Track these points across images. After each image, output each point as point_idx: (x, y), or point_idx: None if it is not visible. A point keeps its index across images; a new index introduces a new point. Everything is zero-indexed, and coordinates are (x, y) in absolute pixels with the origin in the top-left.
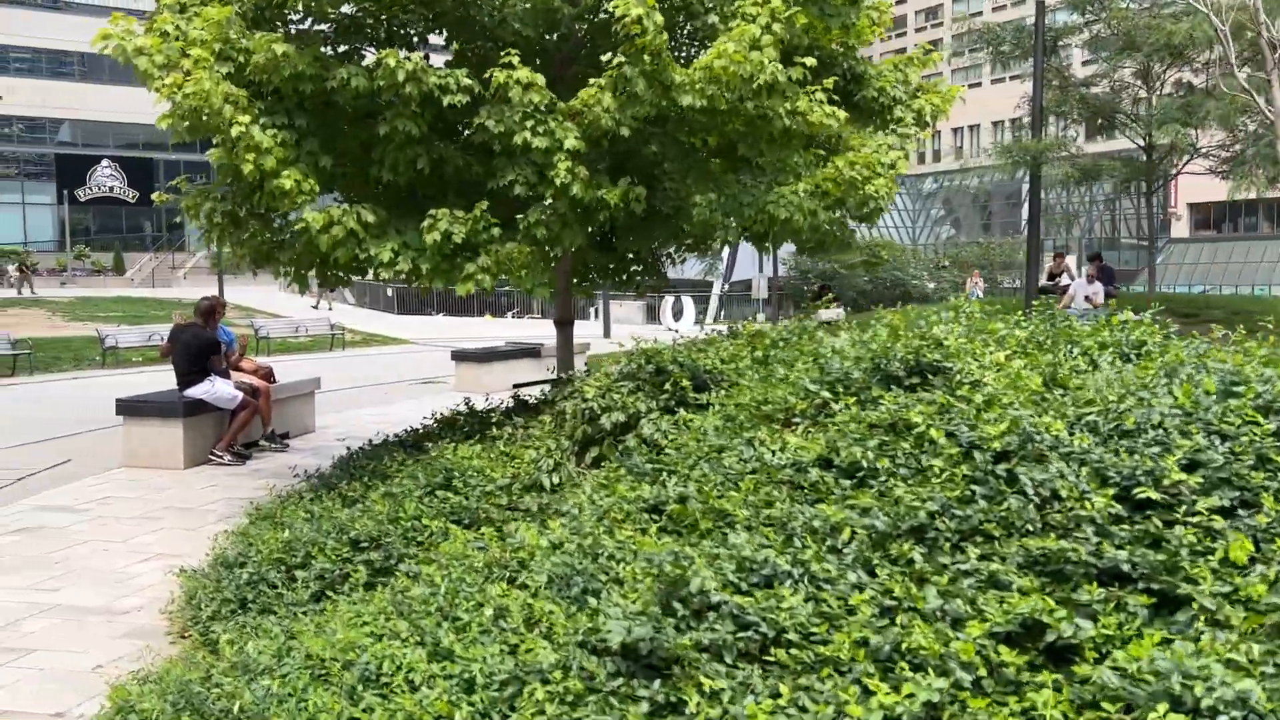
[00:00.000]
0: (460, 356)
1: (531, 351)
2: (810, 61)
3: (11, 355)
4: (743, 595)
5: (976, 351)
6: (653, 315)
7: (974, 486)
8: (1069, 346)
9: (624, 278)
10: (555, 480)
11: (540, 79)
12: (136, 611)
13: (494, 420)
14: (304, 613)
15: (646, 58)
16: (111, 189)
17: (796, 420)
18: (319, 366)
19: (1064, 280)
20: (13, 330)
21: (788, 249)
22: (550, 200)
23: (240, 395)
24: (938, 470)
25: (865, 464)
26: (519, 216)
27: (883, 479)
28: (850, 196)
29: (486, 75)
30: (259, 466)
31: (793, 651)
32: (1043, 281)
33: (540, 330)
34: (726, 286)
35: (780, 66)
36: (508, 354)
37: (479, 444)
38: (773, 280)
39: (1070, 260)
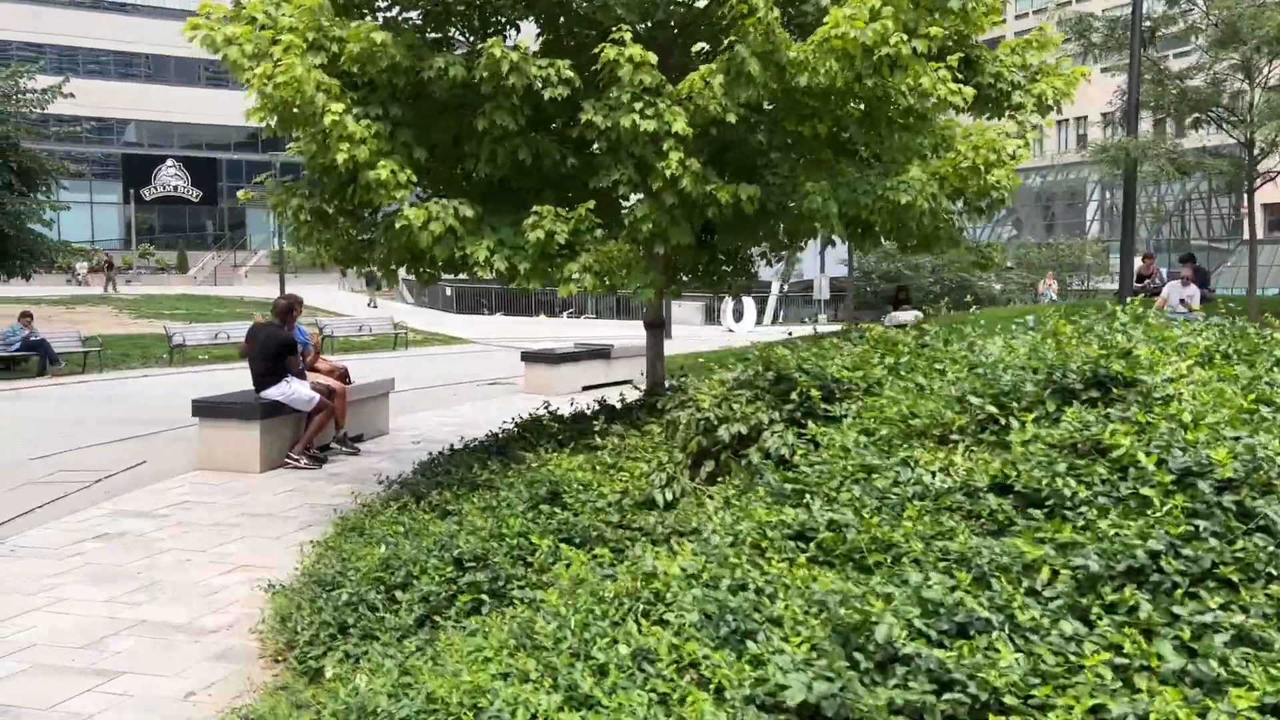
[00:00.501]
0: (530, 358)
1: (601, 353)
2: (936, 31)
3: (83, 353)
4: (936, 646)
5: (1159, 362)
6: (711, 316)
7: (1197, 521)
8: (1267, 356)
9: (714, 278)
10: (669, 496)
11: (652, 57)
12: (225, 630)
13: (596, 429)
14: (410, 639)
15: (759, 36)
16: (175, 188)
17: (955, 437)
18: (384, 366)
19: (1154, 283)
20: (82, 327)
21: (843, 251)
22: (657, 191)
23: (317, 397)
24: (1151, 500)
25: (1056, 491)
26: (624, 212)
27: (1078, 509)
28: (970, 186)
29: (591, 61)
30: (336, 470)
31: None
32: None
33: (598, 331)
34: (785, 287)
35: (904, 36)
36: (578, 355)
37: (579, 454)
38: (836, 281)
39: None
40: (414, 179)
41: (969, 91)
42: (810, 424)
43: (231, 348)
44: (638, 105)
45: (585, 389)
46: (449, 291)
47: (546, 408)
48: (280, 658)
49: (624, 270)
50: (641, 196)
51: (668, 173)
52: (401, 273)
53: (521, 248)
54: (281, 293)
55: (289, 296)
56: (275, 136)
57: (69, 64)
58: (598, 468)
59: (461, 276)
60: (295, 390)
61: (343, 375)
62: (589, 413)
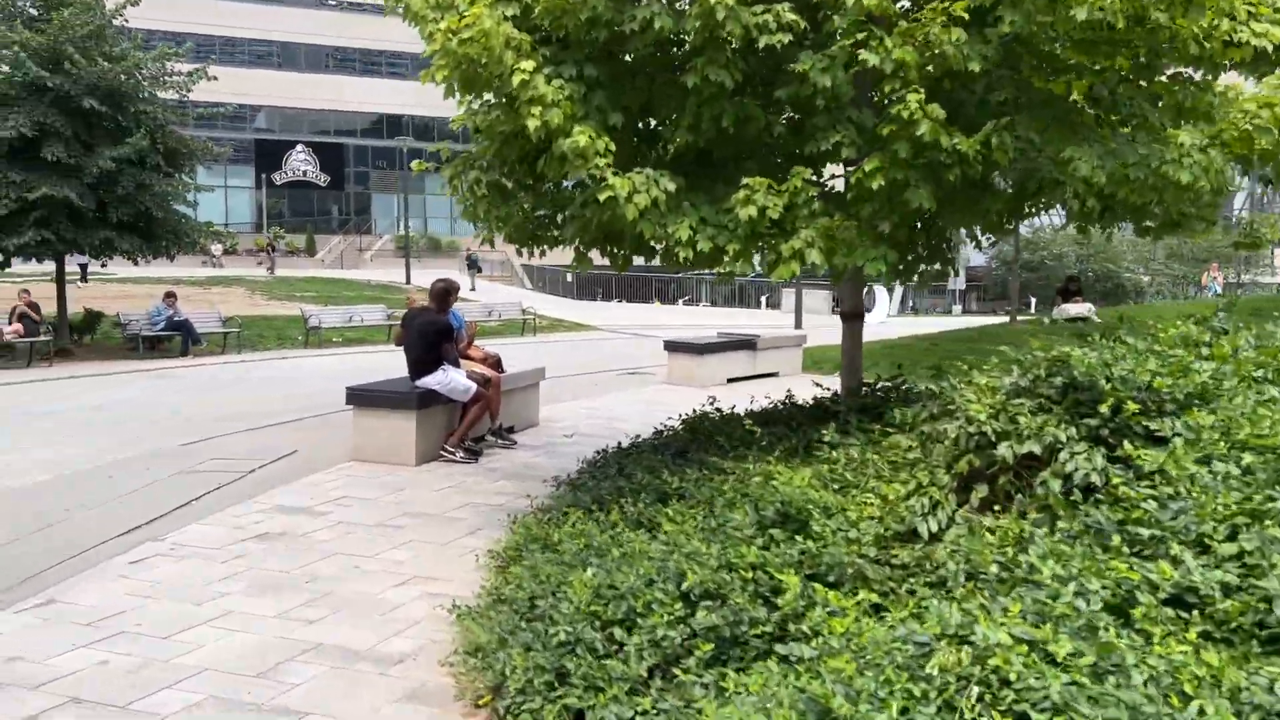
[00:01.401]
0: (673, 347)
1: (747, 344)
2: None
3: (222, 333)
4: None
5: None
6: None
7: None
8: None
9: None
10: (934, 527)
11: None
12: (411, 660)
13: (825, 438)
14: (643, 695)
15: None
16: (305, 173)
17: None
18: (515, 353)
19: None
20: (219, 307)
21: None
22: (889, 138)
23: (474, 386)
24: None
25: None
26: (850, 170)
27: None
28: (1253, 153)
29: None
30: (492, 465)
31: None
32: None
33: (720, 319)
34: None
35: None
36: (723, 346)
37: (802, 465)
38: (972, 270)
39: None
40: (612, 147)
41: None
42: (1125, 445)
43: (364, 330)
44: (860, 34)
45: (730, 381)
46: (569, 278)
47: (712, 403)
48: (482, 702)
49: (848, 247)
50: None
51: (905, 114)
52: (518, 259)
53: (725, 226)
54: (407, 277)
55: (445, 280)
56: (454, 98)
57: (205, 52)
58: (830, 485)
59: (637, 260)
60: (452, 379)
61: (496, 363)
62: (770, 412)
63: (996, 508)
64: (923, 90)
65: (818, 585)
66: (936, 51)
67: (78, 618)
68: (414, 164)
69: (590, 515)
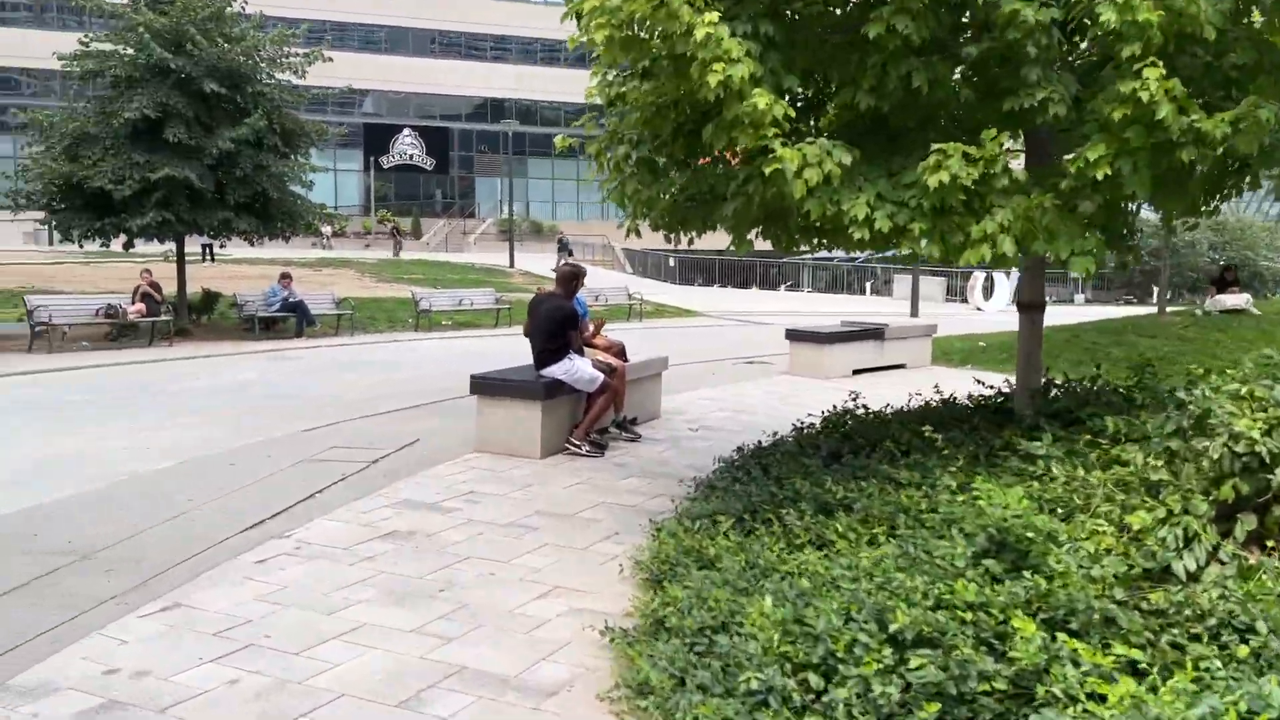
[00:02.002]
0: (796, 336)
1: (875, 333)
2: None
3: (335, 315)
4: None
5: None
6: (953, 293)
7: None
8: None
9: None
10: (1191, 565)
11: None
12: (566, 692)
13: (1040, 452)
14: None
15: None
16: (411, 157)
17: None
18: (625, 339)
19: None
20: (330, 289)
21: None
22: (1120, 124)
23: (601, 376)
24: None
25: None
26: (1067, 157)
27: None
28: None
29: None
30: (620, 460)
31: None
32: None
33: (822, 305)
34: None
35: None
36: (849, 335)
37: (987, 473)
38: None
39: None
40: (791, 113)
41: None
42: None
43: (473, 314)
44: None
45: (855, 373)
46: (671, 262)
47: (855, 399)
48: None
49: (1049, 233)
50: (1080, 132)
51: (1143, 96)
52: (620, 242)
53: (905, 203)
54: (510, 260)
55: (572, 265)
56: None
57: (317, 36)
58: (1048, 508)
59: (713, 246)
60: (578, 368)
61: (620, 351)
62: (928, 411)
63: (1270, 544)
64: (1160, 63)
65: (1058, 633)
66: (1176, 10)
67: (205, 625)
68: (557, 139)
69: (743, 525)
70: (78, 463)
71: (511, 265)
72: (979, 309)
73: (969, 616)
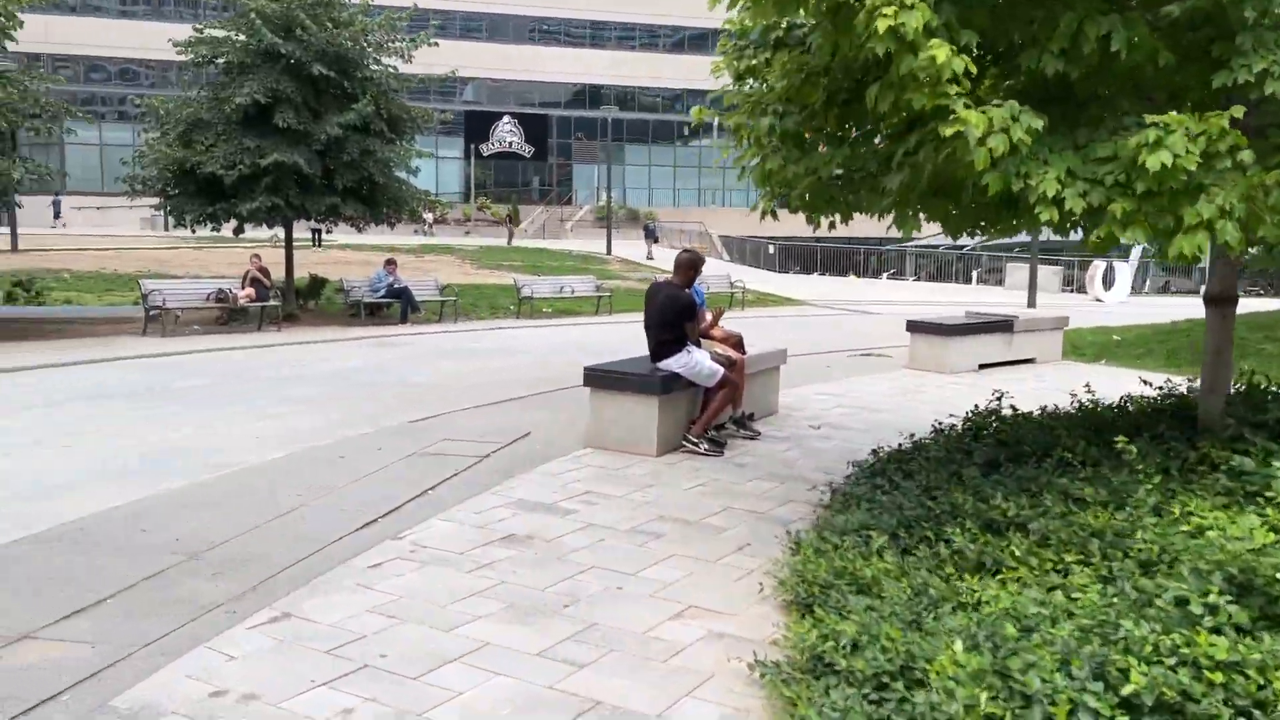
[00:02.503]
0: (918, 328)
1: (1003, 326)
2: None
3: (439, 301)
4: None
5: None
6: (1069, 284)
7: None
8: None
9: None
10: None
11: None
12: None
13: (1231, 463)
14: None
15: None
16: (510, 144)
17: None
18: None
19: None
20: (432, 275)
21: None
22: None
23: (721, 370)
24: None
25: None
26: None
27: None
28: None
29: None
30: (741, 460)
31: None
32: None
33: (930, 295)
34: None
35: None
36: (975, 328)
37: (1183, 491)
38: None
39: None
40: (972, 69)
41: None
42: None
43: (573, 302)
44: None
45: (981, 367)
46: (770, 249)
47: (999, 398)
48: None
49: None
50: None
51: None
52: (718, 227)
53: (1097, 181)
54: (608, 247)
55: (691, 251)
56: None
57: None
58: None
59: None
60: (697, 361)
61: (738, 343)
62: (1091, 415)
63: None
64: None
65: None
66: None
67: (317, 641)
68: (694, 110)
69: (897, 542)
70: (186, 453)
71: (608, 252)
72: (1099, 300)
73: (1218, 678)
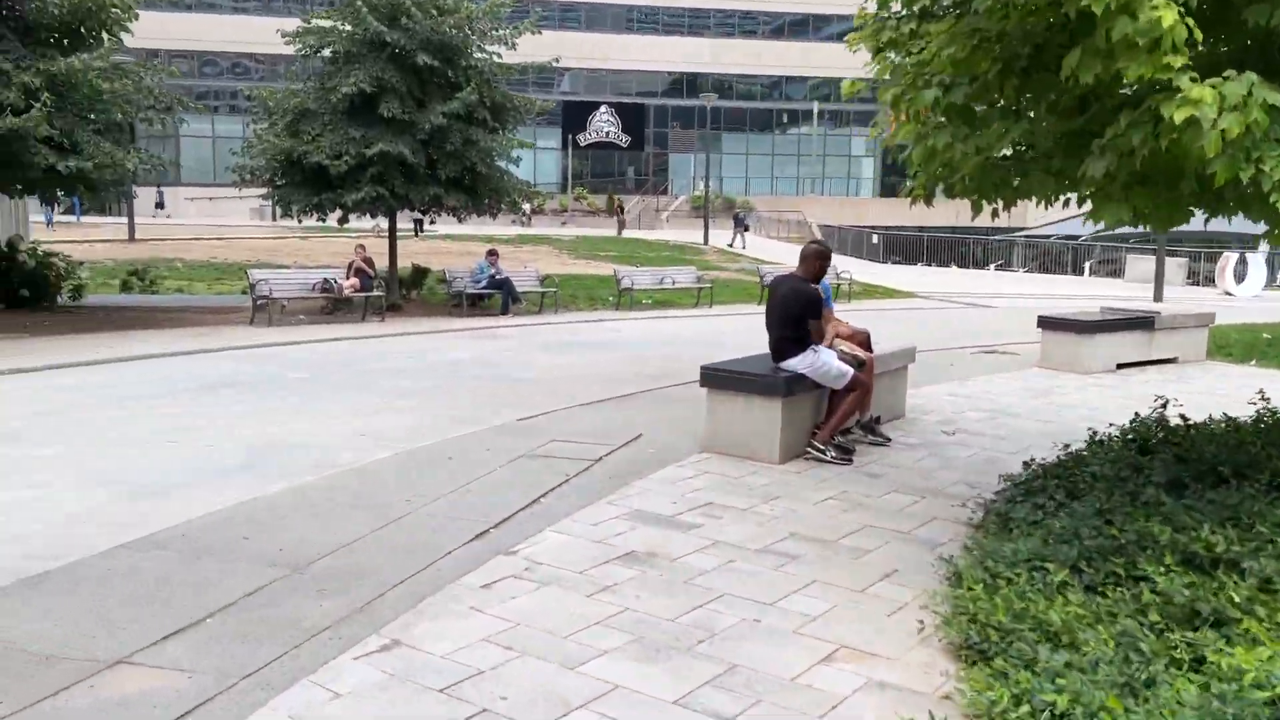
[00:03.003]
0: (1051, 324)
1: (1143, 322)
2: None
3: (539, 292)
4: None
5: None
6: (1193, 276)
7: None
8: None
9: None
10: None
11: None
12: None
13: None
14: None
15: None
16: (607, 134)
17: None
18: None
19: None
20: (529, 265)
21: None
22: None
23: (850, 371)
24: None
25: None
26: None
27: None
28: None
29: None
30: (873, 470)
31: None
32: None
33: (1045, 288)
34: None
35: None
36: (1112, 324)
37: None
38: None
39: None
40: (1198, 36)
41: None
42: None
43: (672, 293)
44: None
45: (1119, 367)
46: (874, 238)
47: (1163, 405)
48: None
49: None
50: None
51: None
52: (816, 216)
53: None
54: (705, 237)
55: (819, 242)
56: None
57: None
58: None
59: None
60: (824, 362)
61: (865, 341)
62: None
63: None
64: None
65: None
66: None
67: (428, 677)
68: (845, 84)
69: (1079, 576)
70: (291, 450)
71: (705, 242)
72: (1229, 294)
73: None
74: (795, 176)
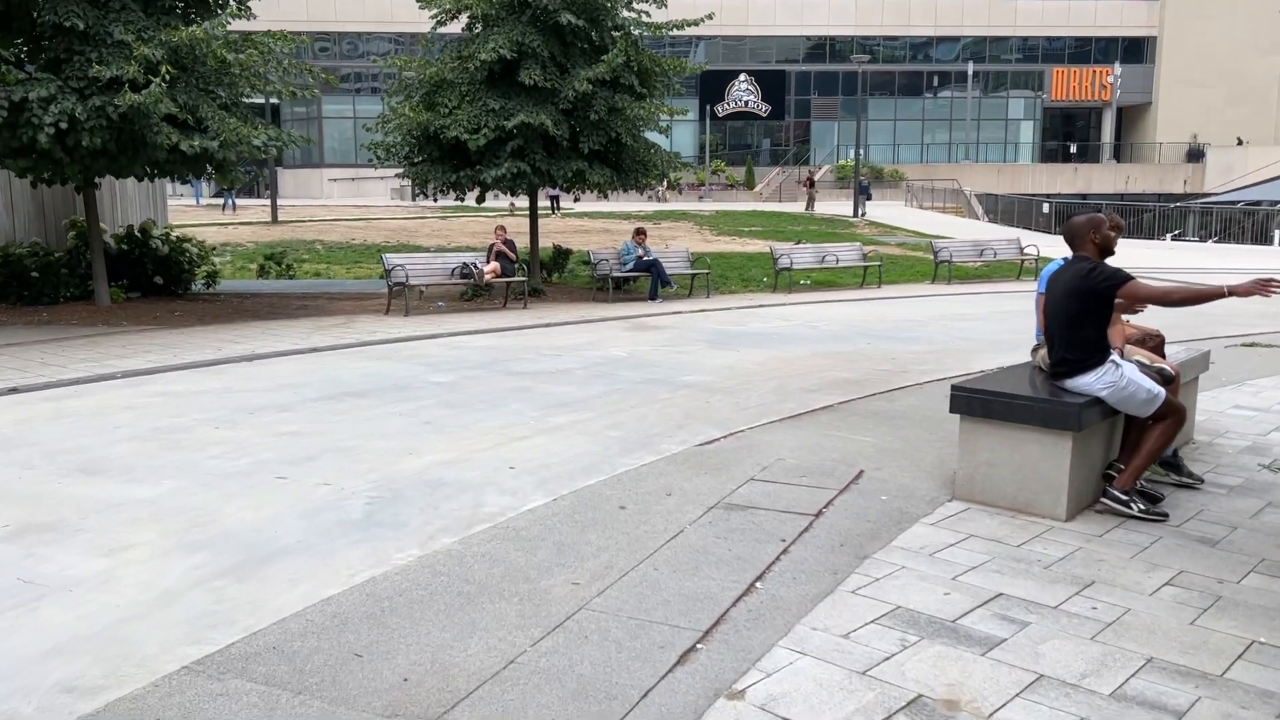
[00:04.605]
0: None
1: None
2: None
3: (690, 275)
4: None
5: None
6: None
7: None
8: None
9: None
10: None
11: None
12: None
13: None
14: None
15: None
16: (746, 104)
17: None
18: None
19: None
20: (670, 244)
21: None
22: None
23: (1163, 393)
24: None
25: None
26: None
27: None
28: None
29: None
30: (1201, 531)
31: None
32: None
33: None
34: None
35: None
36: None
37: None
38: None
39: None
40: None
41: None
42: None
43: (836, 272)
44: None
45: None
46: (1045, 207)
47: None
48: None
49: None
50: None
51: None
52: (972, 184)
53: None
54: (855, 208)
55: (1088, 216)
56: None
57: None
58: None
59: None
60: (1128, 380)
61: (1158, 346)
62: None
63: None
64: None
65: None
66: None
67: None
68: None
69: None
70: (424, 492)
71: (855, 214)
72: None
73: None
74: (947, 143)
